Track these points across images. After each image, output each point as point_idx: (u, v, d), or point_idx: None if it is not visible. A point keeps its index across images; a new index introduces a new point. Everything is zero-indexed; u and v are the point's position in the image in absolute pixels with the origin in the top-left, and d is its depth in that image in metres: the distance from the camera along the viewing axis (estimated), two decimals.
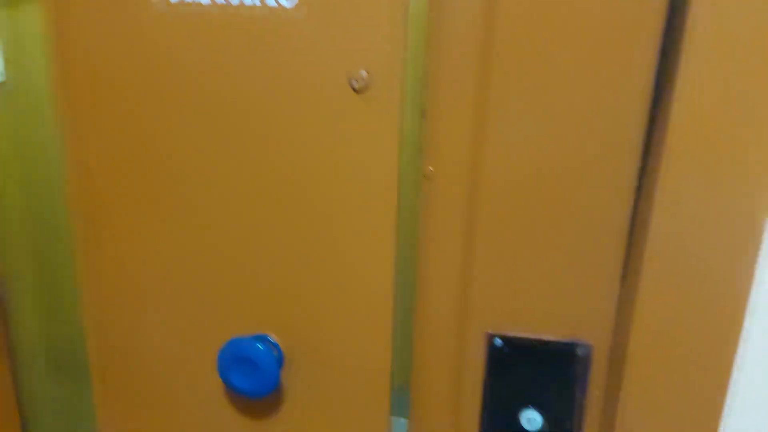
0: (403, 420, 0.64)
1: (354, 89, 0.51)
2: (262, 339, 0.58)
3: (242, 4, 0.50)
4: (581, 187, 0.53)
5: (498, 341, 0.59)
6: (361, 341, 0.58)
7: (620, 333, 0.55)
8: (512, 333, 0.58)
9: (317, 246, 0.56)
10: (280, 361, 0.58)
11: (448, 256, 0.57)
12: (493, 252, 0.56)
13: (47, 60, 0.55)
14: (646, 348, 0.53)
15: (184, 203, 0.57)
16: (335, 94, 0.52)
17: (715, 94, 0.47)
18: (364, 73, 0.51)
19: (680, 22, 0.46)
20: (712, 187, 0.48)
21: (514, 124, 0.53)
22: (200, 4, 0.51)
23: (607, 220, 0.54)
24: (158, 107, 0.55)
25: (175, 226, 0.58)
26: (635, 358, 0.53)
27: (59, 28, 0.54)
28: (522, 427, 0.60)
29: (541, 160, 0.53)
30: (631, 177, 0.52)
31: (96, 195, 0.58)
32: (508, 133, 0.53)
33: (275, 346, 0.59)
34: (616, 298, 0.56)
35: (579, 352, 0.57)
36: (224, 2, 0.50)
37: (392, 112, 0.52)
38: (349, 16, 0.50)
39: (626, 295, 0.55)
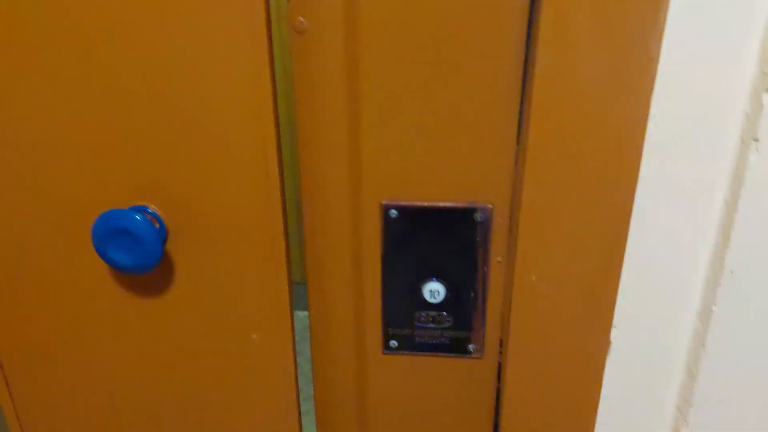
0: (304, 313, 0.61)
1: None
2: (140, 209, 0.53)
3: None
4: (470, 35, 0.48)
5: (393, 212, 0.55)
6: (249, 207, 0.53)
7: (518, 192, 0.52)
8: (408, 202, 0.55)
9: (188, 107, 0.50)
10: (162, 233, 0.53)
11: (330, 122, 0.52)
12: (380, 115, 0.51)
13: None
14: (541, 201, 0.50)
15: (43, 63, 0.50)
16: None
17: None
18: None
19: None
20: (601, 21, 0.44)
21: None
22: None
23: (498, 72, 0.49)
24: None
25: (37, 88, 0.51)
26: (530, 213, 0.50)
27: None
28: (425, 299, 0.58)
29: (426, 3, 0.48)
30: (520, 22, 0.47)
31: None
32: None
33: (156, 217, 0.53)
34: (513, 155, 0.52)
35: (477, 216, 0.54)
36: None
37: None
38: None
39: (522, 151, 0.51)
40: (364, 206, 0.55)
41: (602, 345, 0.54)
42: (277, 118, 0.50)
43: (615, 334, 0.54)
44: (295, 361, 0.60)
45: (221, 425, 0.63)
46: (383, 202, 0.55)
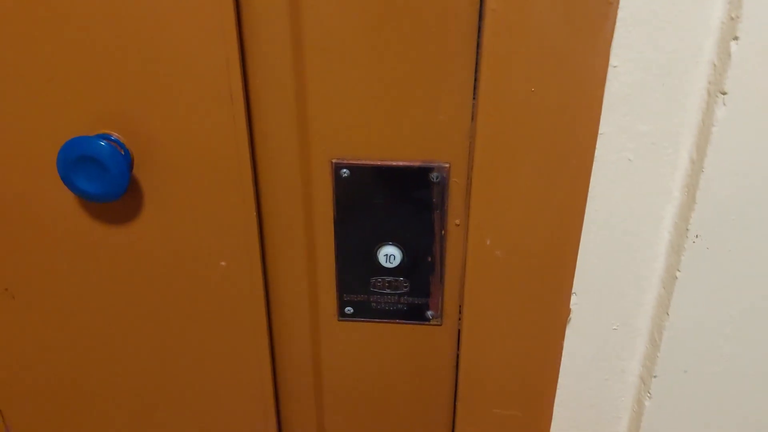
0: None
1: None
2: (104, 137, 0.50)
3: None
4: None
5: (344, 171, 0.52)
6: (215, 133, 0.50)
7: (472, 150, 0.49)
8: (359, 160, 0.52)
9: (150, 31, 0.47)
10: (127, 160, 0.51)
11: (274, 71, 0.49)
12: (326, 64, 0.48)
13: None
14: (495, 159, 0.47)
15: None
16: None
17: None
18: None
19: None
20: None
21: None
22: None
23: (453, 18, 0.46)
24: None
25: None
26: (483, 172, 0.47)
27: None
28: (380, 264, 0.56)
29: None
30: None
31: None
32: None
33: (120, 145, 0.51)
34: (471, 110, 0.49)
35: (433, 176, 0.52)
36: None
37: None
38: None
39: (477, 105, 0.48)
40: (314, 165, 0.52)
41: (562, 312, 0.52)
42: (240, 39, 0.47)
43: (575, 301, 0.52)
44: (265, 288, 0.57)
45: (191, 354, 0.60)
46: (334, 161, 0.52)
